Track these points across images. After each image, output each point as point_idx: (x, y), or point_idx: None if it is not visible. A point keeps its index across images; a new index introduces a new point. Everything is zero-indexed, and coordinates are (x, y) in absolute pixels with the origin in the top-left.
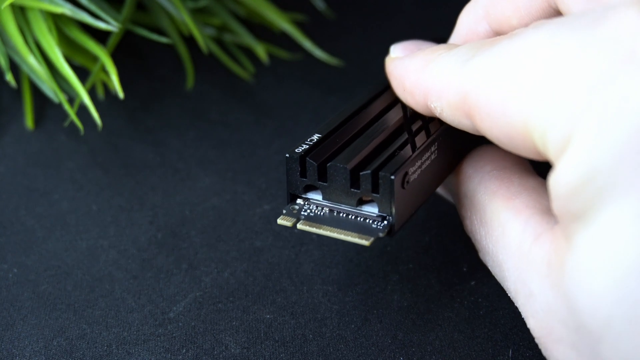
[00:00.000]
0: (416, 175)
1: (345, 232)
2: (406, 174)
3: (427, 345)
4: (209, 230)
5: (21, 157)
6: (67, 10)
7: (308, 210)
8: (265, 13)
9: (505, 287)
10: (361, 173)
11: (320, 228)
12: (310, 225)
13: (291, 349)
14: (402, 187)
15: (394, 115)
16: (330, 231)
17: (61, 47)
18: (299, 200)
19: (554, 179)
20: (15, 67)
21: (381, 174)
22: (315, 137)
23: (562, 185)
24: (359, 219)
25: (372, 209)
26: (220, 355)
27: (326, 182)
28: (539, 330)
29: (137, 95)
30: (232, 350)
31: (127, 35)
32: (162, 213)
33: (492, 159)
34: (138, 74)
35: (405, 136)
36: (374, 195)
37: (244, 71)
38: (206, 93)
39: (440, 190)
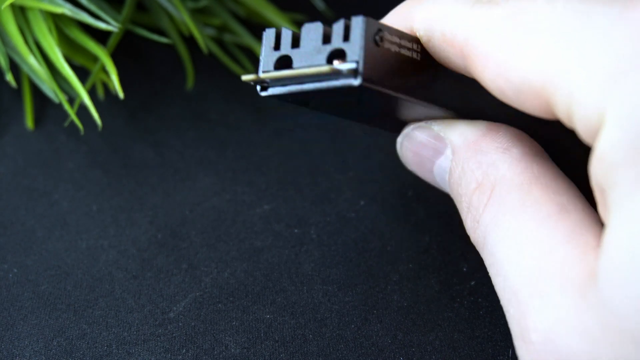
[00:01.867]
0: (393, 51)
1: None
2: (380, 30)
3: (427, 345)
4: (209, 230)
5: (21, 157)
6: (67, 10)
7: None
8: (265, 13)
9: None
10: (334, 23)
11: (289, 73)
12: (279, 75)
13: (291, 349)
14: (375, 43)
15: None
16: (299, 73)
17: (61, 47)
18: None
19: (601, 153)
20: (15, 67)
21: (353, 17)
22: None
23: (608, 155)
24: (329, 76)
25: (342, 66)
26: (220, 355)
27: (299, 47)
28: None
29: (137, 95)
30: (232, 351)
31: (127, 35)
32: (162, 213)
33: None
34: (138, 74)
35: None
36: (345, 44)
37: (244, 71)
38: (206, 93)
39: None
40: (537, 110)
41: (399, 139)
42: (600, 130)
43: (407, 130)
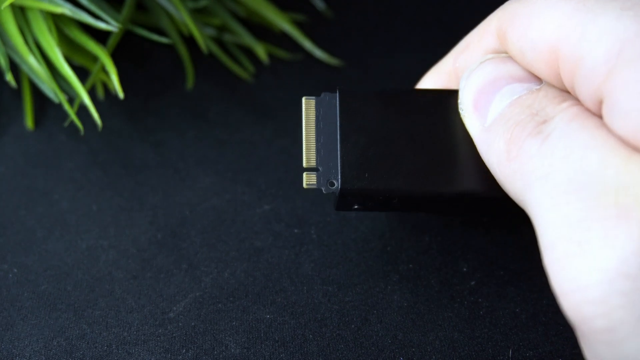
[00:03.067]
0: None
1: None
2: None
3: (427, 345)
4: (209, 230)
5: (21, 157)
6: (67, 10)
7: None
8: (265, 13)
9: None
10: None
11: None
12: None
13: (291, 349)
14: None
15: None
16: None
17: (61, 47)
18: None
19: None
20: (15, 67)
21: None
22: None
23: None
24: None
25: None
26: (220, 355)
27: None
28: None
29: (137, 95)
30: (232, 350)
31: (127, 35)
32: (162, 213)
33: None
34: (138, 74)
35: None
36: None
37: (244, 71)
38: (206, 93)
39: None
40: (546, 69)
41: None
42: (611, 74)
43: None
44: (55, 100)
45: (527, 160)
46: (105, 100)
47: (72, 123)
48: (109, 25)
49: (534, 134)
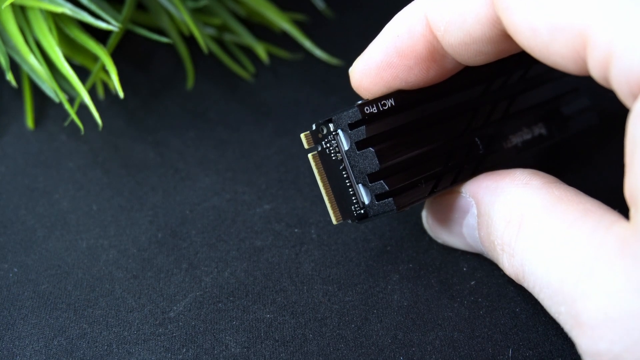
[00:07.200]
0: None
1: (330, 197)
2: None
3: (427, 345)
4: (209, 230)
5: (21, 157)
6: (68, 10)
7: (328, 145)
8: (265, 13)
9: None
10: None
11: (319, 175)
12: (316, 164)
13: (291, 348)
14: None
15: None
16: (323, 186)
17: (61, 47)
18: (331, 125)
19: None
20: (15, 67)
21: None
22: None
23: None
24: (350, 191)
25: (365, 193)
26: (221, 355)
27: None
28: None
29: (137, 95)
30: (232, 350)
31: (127, 35)
32: (162, 213)
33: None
34: (138, 74)
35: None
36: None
37: (244, 71)
38: (206, 93)
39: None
40: (567, 59)
41: (424, 214)
42: None
43: (428, 203)
44: (56, 99)
45: None
46: (105, 100)
47: (72, 123)
48: (110, 24)
49: (511, 264)
